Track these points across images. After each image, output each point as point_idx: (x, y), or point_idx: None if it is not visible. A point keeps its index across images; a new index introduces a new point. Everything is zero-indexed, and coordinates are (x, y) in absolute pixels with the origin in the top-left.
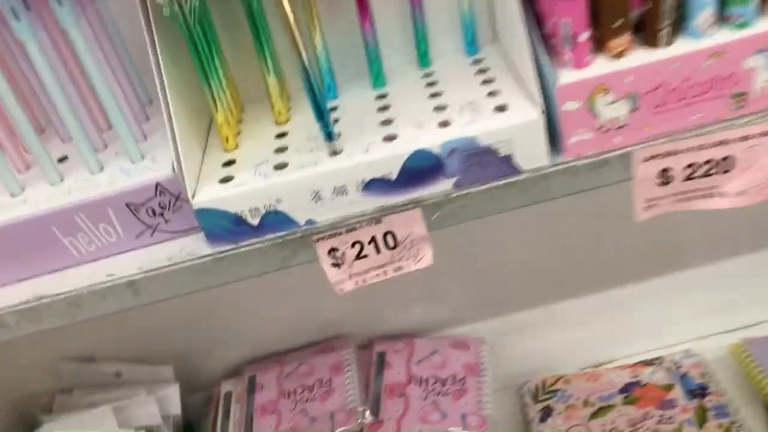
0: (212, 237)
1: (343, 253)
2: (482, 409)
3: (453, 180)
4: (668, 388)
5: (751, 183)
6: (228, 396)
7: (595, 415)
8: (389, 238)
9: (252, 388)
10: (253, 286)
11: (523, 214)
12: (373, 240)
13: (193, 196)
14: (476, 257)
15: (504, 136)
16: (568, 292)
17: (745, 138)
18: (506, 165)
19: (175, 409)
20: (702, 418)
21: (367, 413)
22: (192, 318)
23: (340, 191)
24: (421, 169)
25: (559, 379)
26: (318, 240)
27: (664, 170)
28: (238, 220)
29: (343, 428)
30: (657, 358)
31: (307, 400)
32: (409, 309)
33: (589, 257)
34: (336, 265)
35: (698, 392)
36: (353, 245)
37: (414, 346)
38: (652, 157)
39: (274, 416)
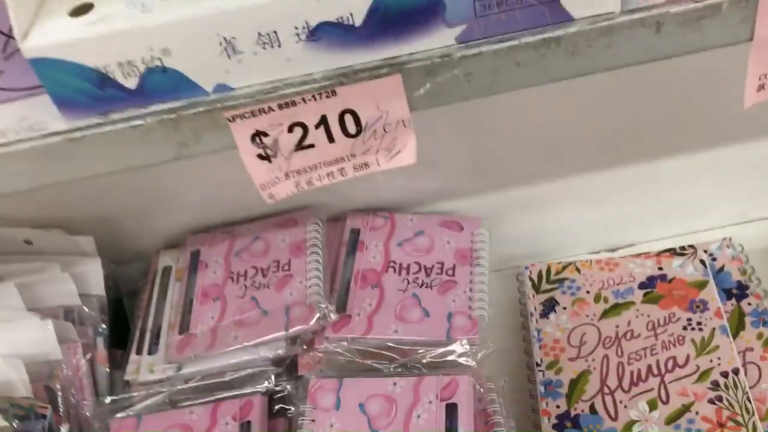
0: (64, 104)
1: (276, 141)
2: (473, 309)
3: (456, 31)
4: (700, 285)
5: None
6: (166, 271)
7: (607, 313)
8: (348, 120)
9: (195, 264)
10: None
11: None
12: (323, 121)
13: (24, 38)
14: (480, 118)
15: None
16: (586, 165)
17: None
18: (548, 9)
19: (98, 287)
20: (738, 325)
21: (331, 309)
22: (113, 184)
23: (270, 41)
24: (404, 9)
25: (567, 266)
26: (234, 118)
27: None
28: (103, 80)
29: (299, 327)
30: (688, 248)
31: (259, 286)
32: (392, 177)
33: (615, 126)
34: (264, 157)
35: (736, 292)
36: (291, 129)
37: (395, 224)
38: None
39: (218, 304)
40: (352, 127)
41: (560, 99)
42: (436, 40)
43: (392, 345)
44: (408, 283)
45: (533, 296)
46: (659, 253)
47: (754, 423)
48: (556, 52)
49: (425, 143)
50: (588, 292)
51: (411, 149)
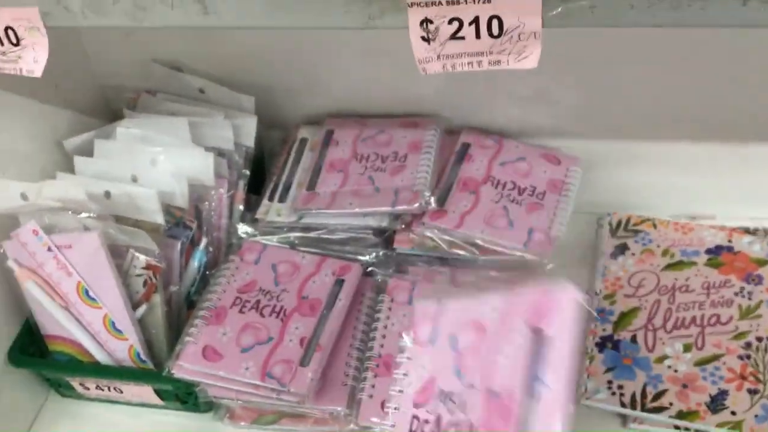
0: None
1: (437, 28)
2: (552, 229)
3: None
4: (761, 262)
5: None
6: (303, 142)
7: (670, 266)
8: (494, 24)
9: (328, 141)
10: (343, 37)
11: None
12: (475, 21)
13: None
14: (597, 67)
15: None
16: (685, 133)
17: None
18: None
19: (249, 140)
20: None
21: (432, 199)
22: (278, 56)
23: None
24: None
25: (645, 221)
26: (412, 4)
27: None
28: None
29: (403, 206)
30: (762, 230)
31: (377, 169)
32: (509, 106)
33: (727, 100)
34: (426, 39)
35: None
36: (451, 22)
37: (502, 147)
38: None
39: (341, 175)
40: (496, 30)
41: (678, 62)
42: None
43: (477, 242)
44: (502, 196)
45: (608, 238)
46: (733, 229)
47: None
48: (662, 4)
49: (547, 80)
50: (659, 246)
51: (535, 57)
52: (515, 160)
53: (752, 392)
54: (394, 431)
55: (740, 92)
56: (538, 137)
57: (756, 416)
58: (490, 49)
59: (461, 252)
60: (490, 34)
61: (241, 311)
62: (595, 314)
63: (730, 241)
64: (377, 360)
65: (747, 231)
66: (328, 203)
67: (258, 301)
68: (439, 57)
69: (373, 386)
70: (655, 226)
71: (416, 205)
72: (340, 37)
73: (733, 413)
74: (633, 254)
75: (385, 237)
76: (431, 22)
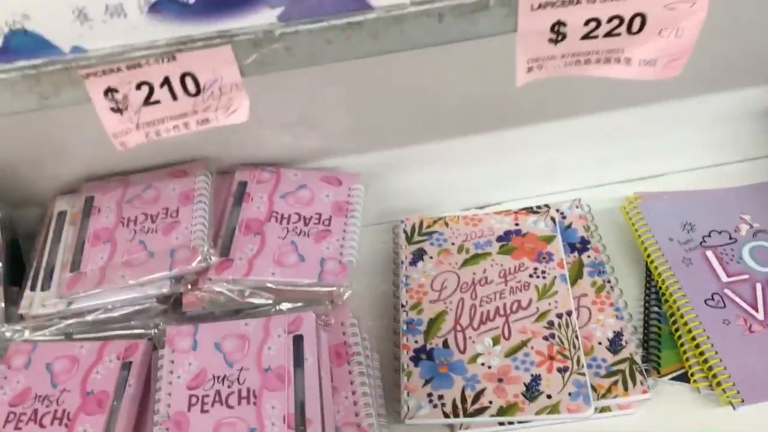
0: None
1: (125, 96)
2: (344, 255)
3: (277, 11)
4: (548, 239)
5: (662, 52)
6: (62, 215)
7: (467, 262)
8: (189, 82)
9: (89, 210)
10: None
11: None
12: (167, 82)
13: None
14: (362, 81)
15: None
16: (458, 130)
17: None
18: None
19: None
20: (576, 274)
21: (212, 252)
22: (11, 130)
23: (116, 11)
24: None
25: (437, 221)
26: (88, 75)
27: (558, 24)
28: None
29: (182, 267)
30: (544, 206)
31: (148, 231)
32: (278, 134)
33: (485, 96)
34: (116, 110)
35: (579, 246)
36: (139, 87)
37: (280, 178)
38: (542, 6)
39: (108, 246)
40: (192, 88)
41: (432, 66)
42: (261, 18)
43: (270, 286)
44: (287, 231)
45: (405, 246)
46: (518, 211)
47: (578, 356)
48: (360, 34)
49: (308, 104)
50: (453, 243)
51: (245, 109)
52: (296, 189)
53: (562, 371)
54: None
55: (497, 84)
56: (317, 160)
57: (570, 394)
58: (193, 109)
59: (255, 300)
60: (188, 93)
61: (17, 428)
62: (405, 327)
63: (517, 224)
64: (166, 422)
65: (531, 210)
66: (98, 281)
67: (35, 411)
68: (138, 126)
69: None
70: (447, 224)
71: (195, 263)
72: None
73: (549, 396)
74: (431, 257)
75: (174, 300)
76: (116, 91)
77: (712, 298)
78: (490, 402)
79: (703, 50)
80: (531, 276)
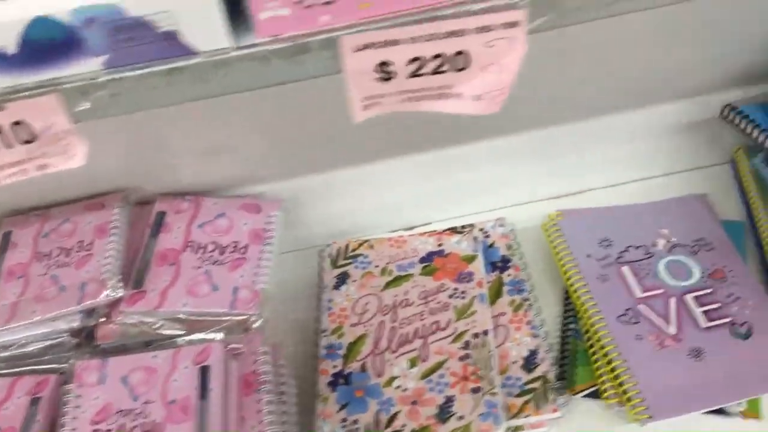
0: None
1: None
2: (257, 283)
3: (101, 59)
4: (470, 259)
5: (488, 87)
6: None
7: (389, 284)
8: (22, 130)
9: (5, 245)
10: None
11: None
12: None
13: None
14: (274, 108)
15: (162, 4)
16: (382, 153)
17: (485, 29)
18: (172, 44)
19: None
20: (496, 293)
21: (121, 287)
22: None
23: None
24: (50, 42)
25: (362, 244)
26: None
27: (383, 63)
28: None
29: (90, 302)
30: (468, 226)
31: (61, 265)
32: (196, 164)
33: (404, 120)
34: None
35: (500, 265)
36: None
37: (200, 207)
38: (366, 47)
39: (22, 281)
40: (25, 136)
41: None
42: (85, 66)
43: (182, 317)
44: (203, 261)
45: (330, 270)
46: (442, 231)
47: (491, 376)
48: (183, 79)
49: (223, 133)
50: (377, 266)
51: (82, 154)
52: (215, 218)
53: (475, 391)
54: None
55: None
56: (241, 187)
57: (480, 415)
58: (29, 156)
59: (167, 332)
60: (21, 141)
61: None
62: (324, 352)
63: (440, 245)
64: None
65: (455, 231)
66: (9, 317)
67: None
68: None
69: None
70: (372, 246)
71: (102, 296)
72: None
73: (461, 417)
74: (354, 280)
75: (87, 333)
76: None
77: (626, 314)
78: (404, 425)
79: (624, 68)
80: (450, 297)
